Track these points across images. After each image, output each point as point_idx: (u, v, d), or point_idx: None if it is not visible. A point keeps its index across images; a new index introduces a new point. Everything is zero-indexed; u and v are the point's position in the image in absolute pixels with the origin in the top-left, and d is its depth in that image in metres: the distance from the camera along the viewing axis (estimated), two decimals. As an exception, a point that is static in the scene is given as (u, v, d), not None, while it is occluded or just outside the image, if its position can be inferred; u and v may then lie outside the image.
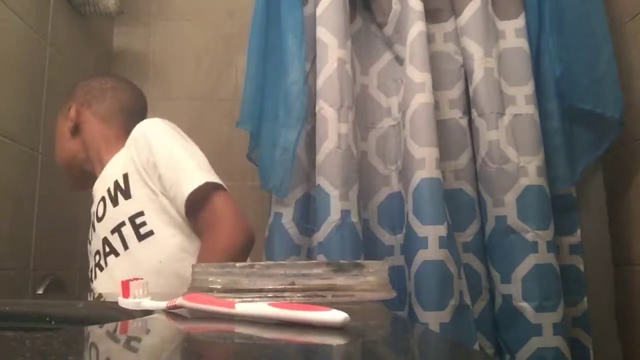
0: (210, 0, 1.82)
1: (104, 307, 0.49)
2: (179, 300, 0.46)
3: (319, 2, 1.44)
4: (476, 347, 1.32)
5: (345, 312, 0.38)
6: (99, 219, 1.14)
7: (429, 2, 1.47)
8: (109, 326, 0.42)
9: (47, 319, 0.44)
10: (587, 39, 1.46)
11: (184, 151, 1.12)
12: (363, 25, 1.55)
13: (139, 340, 0.40)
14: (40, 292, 1.29)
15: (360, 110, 1.47)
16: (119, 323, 0.44)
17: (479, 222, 1.42)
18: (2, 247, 1.20)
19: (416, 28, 1.42)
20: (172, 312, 0.47)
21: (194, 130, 1.69)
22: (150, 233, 1.08)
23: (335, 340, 0.37)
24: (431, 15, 1.48)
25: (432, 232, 1.31)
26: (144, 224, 1.08)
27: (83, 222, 1.56)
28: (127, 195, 1.10)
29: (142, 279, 0.49)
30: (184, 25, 1.79)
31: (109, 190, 1.14)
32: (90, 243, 1.20)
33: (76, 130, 1.23)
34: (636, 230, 1.43)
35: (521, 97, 1.43)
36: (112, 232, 1.10)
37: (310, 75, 1.45)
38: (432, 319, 1.28)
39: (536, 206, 1.38)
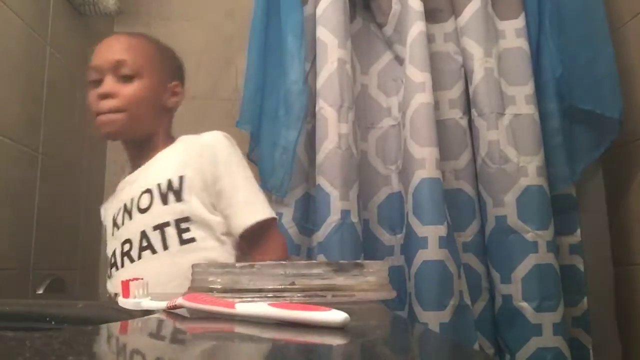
0: (210, 0, 1.82)
1: (104, 307, 0.49)
2: (179, 300, 0.46)
3: (319, 2, 1.44)
4: (476, 347, 1.32)
5: (345, 312, 0.38)
6: (141, 210, 1.12)
7: (429, 2, 1.47)
8: (109, 326, 0.42)
9: (47, 319, 0.44)
10: (587, 39, 1.46)
11: (249, 177, 1.15)
12: (363, 25, 1.55)
13: (139, 340, 0.40)
14: (40, 292, 1.29)
15: (360, 110, 1.48)
16: (119, 323, 0.44)
17: (479, 222, 1.43)
18: (2, 247, 1.20)
19: (416, 28, 1.42)
20: (172, 312, 0.47)
21: (193, 130, 1.69)
22: (192, 240, 1.09)
23: (335, 340, 0.37)
24: (431, 15, 1.48)
25: (432, 232, 1.31)
26: (187, 230, 1.09)
27: (83, 222, 1.56)
28: (178, 197, 1.10)
29: (142, 279, 0.49)
30: (184, 25, 1.79)
31: (159, 186, 1.11)
32: (116, 226, 1.15)
33: (169, 110, 1.20)
34: (636, 230, 1.43)
35: (521, 97, 1.43)
36: (155, 228, 1.09)
37: (310, 75, 1.45)
38: (432, 319, 1.28)
39: (536, 206, 1.38)
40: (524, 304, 1.34)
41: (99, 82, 1.13)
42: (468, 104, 1.47)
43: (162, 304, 0.47)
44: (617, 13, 1.51)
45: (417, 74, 1.40)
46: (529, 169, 1.39)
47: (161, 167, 1.15)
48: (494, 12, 1.49)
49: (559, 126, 1.45)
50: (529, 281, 1.35)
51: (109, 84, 1.12)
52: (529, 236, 1.36)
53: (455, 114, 1.46)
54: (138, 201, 1.13)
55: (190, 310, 0.46)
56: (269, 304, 0.41)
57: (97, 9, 1.58)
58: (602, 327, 1.44)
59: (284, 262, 0.68)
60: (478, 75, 1.43)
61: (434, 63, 1.45)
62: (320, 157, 1.36)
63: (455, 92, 1.47)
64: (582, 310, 1.41)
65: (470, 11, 1.46)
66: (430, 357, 0.36)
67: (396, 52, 1.50)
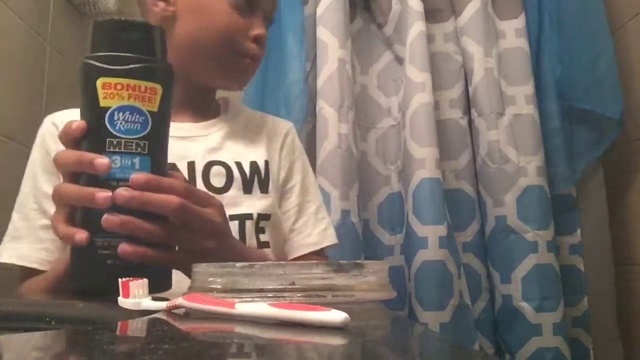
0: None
1: (104, 307, 0.49)
2: (179, 300, 0.46)
3: (319, 2, 1.44)
4: (476, 347, 1.32)
5: (345, 312, 0.38)
6: (214, 188, 0.85)
7: (429, 2, 1.47)
8: (109, 326, 0.42)
9: (47, 319, 0.44)
10: (587, 39, 1.46)
11: (317, 185, 0.98)
12: (363, 25, 1.55)
13: (138, 340, 0.40)
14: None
15: (360, 110, 1.48)
16: (119, 323, 0.44)
17: (479, 222, 1.43)
18: (2, 247, 1.20)
19: (416, 28, 1.42)
20: (172, 312, 0.47)
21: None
22: (267, 245, 0.87)
23: (335, 340, 0.37)
24: (431, 15, 1.48)
25: (432, 232, 1.31)
26: (263, 231, 0.87)
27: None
28: (264, 188, 0.87)
29: (142, 279, 0.49)
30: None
31: (240, 167, 0.87)
32: None
33: None
34: (636, 230, 1.43)
35: (521, 97, 1.43)
36: (232, 219, 0.82)
37: (311, 75, 1.45)
38: (432, 319, 1.28)
39: (536, 206, 1.38)
40: (524, 304, 1.34)
41: (247, 13, 0.87)
42: (468, 104, 1.47)
43: (162, 304, 0.47)
44: (617, 13, 1.51)
45: (417, 74, 1.40)
46: (529, 169, 1.39)
47: (234, 139, 0.91)
48: (494, 12, 1.49)
49: (559, 126, 1.45)
50: (529, 281, 1.35)
51: (263, 27, 0.89)
52: (529, 236, 1.36)
53: (455, 114, 1.46)
54: (208, 173, 0.86)
55: (190, 310, 0.46)
56: (269, 304, 0.41)
57: (97, 9, 1.58)
58: (602, 327, 1.44)
59: (284, 262, 0.68)
60: (478, 75, 1.43)
61: (434, 63, 1.45)
62: (320, 157, 1.36)
63: (455, 92, 1.47)
64: (582, 310, 1.41)
65: (470, 11, 1.46)
66: (430, 357, 0.36)
67: (396, 52, 1.50)
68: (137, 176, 0.57)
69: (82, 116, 0.60)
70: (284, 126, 0.97)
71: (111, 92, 0.57)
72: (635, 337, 1.32)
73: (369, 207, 1.46)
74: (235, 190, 0.85)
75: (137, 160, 0.58)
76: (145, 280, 0.49)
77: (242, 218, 0.84)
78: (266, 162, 0.89)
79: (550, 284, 1.35)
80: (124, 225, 0.57)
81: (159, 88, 0.60)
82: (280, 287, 0.51)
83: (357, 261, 0.54)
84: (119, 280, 0.49)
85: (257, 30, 0.87)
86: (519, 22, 1.47)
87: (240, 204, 0.85)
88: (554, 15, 1.47)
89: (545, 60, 1.48)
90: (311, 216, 0.93)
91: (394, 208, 1.44)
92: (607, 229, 1.50)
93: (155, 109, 0.60)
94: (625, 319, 1.45)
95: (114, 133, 0.58)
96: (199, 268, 0.55)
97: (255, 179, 0.88)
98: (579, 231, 1.45)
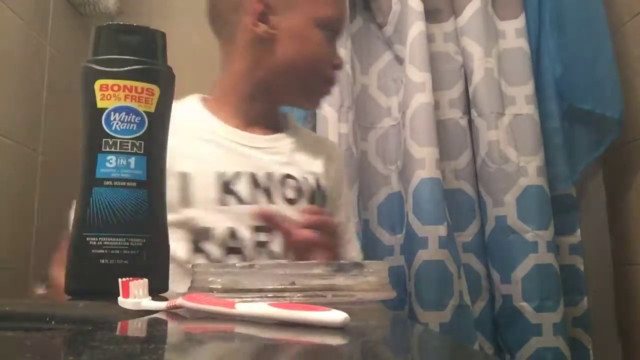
0: (210, 0, 1.82)
1: (104, 307, 0.49)
2: (179, 300, 0.46)
3: (319, 2, 1.44)
4: (476, 347, 1.32)
5: (345, 312, 0.38)
6: (287, 200, 0.89)
7: (429, 2, 1.47)
8: (109, 326, 0.42)
9: (47, 319, 0.44)
10: (587, 39, 1.46)
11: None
12: (363, 25, 1.55)
13: (138, 340, 0.40)
14: (40, 292, 1.29)
15: (360, 110, 1.47)
16: (119, 323, 0.44)
17: (478, 222, 1.43)
18: (2, 247, 1.20)
19: (416, 28, 1.42)
20: (172, 312, 0.47)
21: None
22: None
23: (335, 340, 0.37)
24: (431, 15, 1.48)
25: (432, 232, 1.31)
26: None
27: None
28: (324, 203, 0.93)
29: (142, 279, 0.49)
30: (184, 25, 1.79)
31: (307, 181, 0.91)
32: (236, 197, 0.85)
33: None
34: (636, 230, 1.43)
35: (521, 97, 1.43)
36: None
37: (311, 75, 1.45)
38: (432, 319, 1.28)
39: (536, 206, 1.38)
40: (524, 304, 1.34)
41: (331, 36, 0.93)
42: (468, 104, 1.47)
43: (162, 304, 0.47)
44: (617, 13, 1.51)
45: (417, 74, 1.40)
46: (529, 169, 1.39)
47: (300, 153, 0.95)
48: (494, 12, 1.49)
49: (559, 126, 1.45)
50: (529, 281, 1.35)
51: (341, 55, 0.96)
52: (529, 236, 1.36)
53: (455, 114, 1.46)
54: (283, 184, 0.89)
55: (190, 310, 0.46)
56: (269, 304, 0.41)
57: (97, 9, 1.58)
58: (602, 327, 1.44)
59: (284, 262, 0.68)
60: (478, 75, 1.43)
61: (434, 63, 1.45)
62: (320, 157, 1.36)
63: (455, 92, 1.47)
64: (582, 310, 1.41)
65: (470, 11, 1.46)
66: (430, 357, 0.36)
67: (396, 52, 1.50)
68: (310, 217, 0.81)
69: (81, 118, 0.60)
70: (335, 147, 1.11)
71: (108, 94, 0.58)
72: (635, 337, 1.32)
73: (369, 207, 1.46)
74: (303, 203, 0.90)
75: (132, 160, 0.58)
76: (146, 280, 0.49)
77: None
78: (324, 178, 0.95)
79: (550, 284, 1.35)
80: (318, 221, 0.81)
81: (156, 89, 0.60)
82: (280, 287, 0.51)
83: (357, 261, 0.54)
84: (119, 280, 0.49)
85: (339, 59, 0.97)
86: (519, 22, 1.47)
87: None
88: (554, 15, 1.47)
89: (545, 60, 1.48)
90: (353, 235, 1.03)
91: (394, 208, 1.44)
92: (607, 229, 1.50)
93: (153, 110, 0.60)
94: (625, 319, 1.45)
95: (110, 133, 0.58)
96: (199, 268, 0.55)
97: (318, 192, 0.93)
98: (578, 231, 1.45)
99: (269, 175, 0.88)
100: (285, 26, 0.91)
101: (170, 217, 0.63)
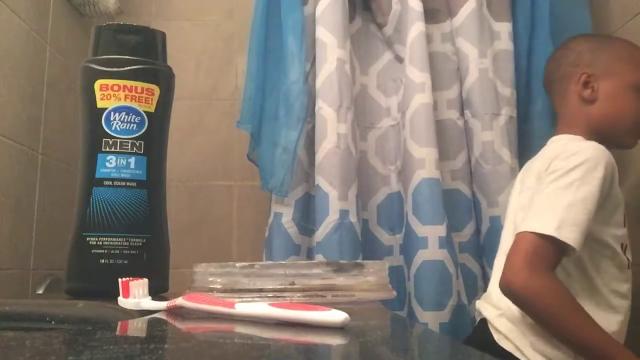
0: (210, 0, 1.82)
1: (104, 307, 0.49)
2: (179, 300, 0.46)
3: (318, 2, 1.44)
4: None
5: (345, 312, 0.38)
6: None
7: (428, 3, 1.47)
8: (109, 326, 0.42)
9: (47, 319, 0.44)
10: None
11: None
12: (363, 25, 1.55)
13: (139, 340, 0.40)
14: (40, 292, 1.29)
15: (360, 110, 1.47)
16: (119, 323, 0.44)
17: (475, 222, 1.43)
18: (2, 247, 1.20)
19: (416, 28, 1.42)
20: (172, 312, 0.47)
21: (194, 130, 1.70)
22: None
23: (335, 340, 0.37)
24: (430, 15, 1.48)
25: (431, 232, 1.31)
26: None
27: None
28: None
29: (142, 278, 0.49)
30: (184, 25, 1.79)
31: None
32: (625, 221, 1.15)
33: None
34: (636, 230, 1.43)
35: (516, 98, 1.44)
36: None
37: (311, 75, 1.45)
38: (432, 319, 1.28)
39: (532, 207, 1.38)
40: (523, 304, 1.34)
41: None
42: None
43: (162, 304, 0.47)
44: (617, 13, 1.51)
45: (417, 74, 1.40)
46: (522, 169, 1.39)
47: None
48: (489, 14, 1.49)
49: (550, 127, 1.45)
50: (527, 281, 1.34)
51: None
52: (527, 236, 1.36)
53: (453, 115, 1.46)
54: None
55: (190, 310, 0.46)
56: (269, 304, 0.41)
57: (97, 9, 1.58)
58: (602, 327, 1.44)
59: (284, 262, 0.68)
60: (472, 76, 1.43)
61: (433, 63, 1.45)
62: (319, 157, 1.36)
63: (452, 92, 1.47)
64: (582, 310, 1.41)
65: (465, 12, 1.46)
66: (430, 357, 0.36)
67: (396, 52, 1.50)
68: None
69: (81, 118, 0.60)
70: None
71: (108, 94, 0.58)
72: (635, 337, 1.31)
73: (368, 207, 1.46)
74: None
75: (132, 160, 0.59)
76: (146, 280, 0.50)
77: None
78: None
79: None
80: None
81: (156, 89, 0.61)
82: (280, 287, 0.51)
83: (357, 261, 0.54)
84: (118, 280, 0.49)
85: None
86: (510, 25, 1.48)
87: None
88: (544, 19, 1.48)
89: (536, 62, 1.48)
90: None
91: (394, 208, 1.44)
92: (607, 229, 1.49)
93: (153, 110, 0.60)
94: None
95: (110, 133, 0.58)
96: (199, 268, 0.56)
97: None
98: (578, 231, 1.45)
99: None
100: (603, 91, 1.18)
101: None
